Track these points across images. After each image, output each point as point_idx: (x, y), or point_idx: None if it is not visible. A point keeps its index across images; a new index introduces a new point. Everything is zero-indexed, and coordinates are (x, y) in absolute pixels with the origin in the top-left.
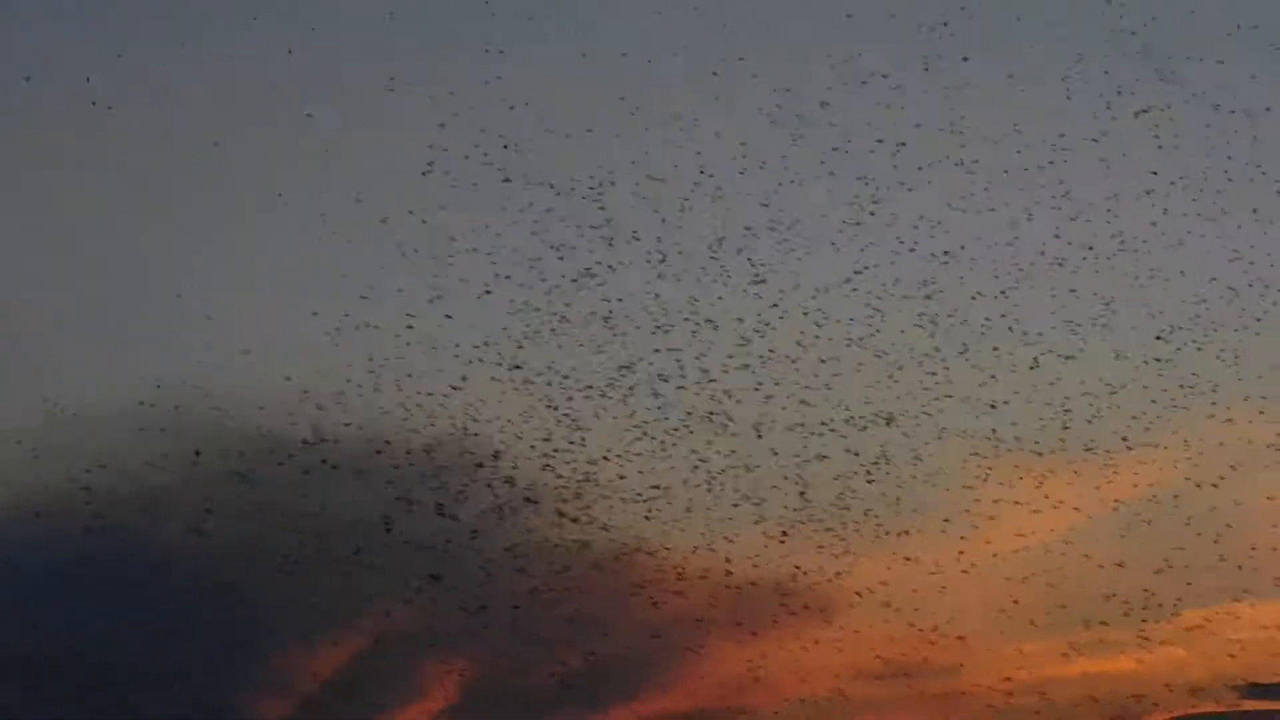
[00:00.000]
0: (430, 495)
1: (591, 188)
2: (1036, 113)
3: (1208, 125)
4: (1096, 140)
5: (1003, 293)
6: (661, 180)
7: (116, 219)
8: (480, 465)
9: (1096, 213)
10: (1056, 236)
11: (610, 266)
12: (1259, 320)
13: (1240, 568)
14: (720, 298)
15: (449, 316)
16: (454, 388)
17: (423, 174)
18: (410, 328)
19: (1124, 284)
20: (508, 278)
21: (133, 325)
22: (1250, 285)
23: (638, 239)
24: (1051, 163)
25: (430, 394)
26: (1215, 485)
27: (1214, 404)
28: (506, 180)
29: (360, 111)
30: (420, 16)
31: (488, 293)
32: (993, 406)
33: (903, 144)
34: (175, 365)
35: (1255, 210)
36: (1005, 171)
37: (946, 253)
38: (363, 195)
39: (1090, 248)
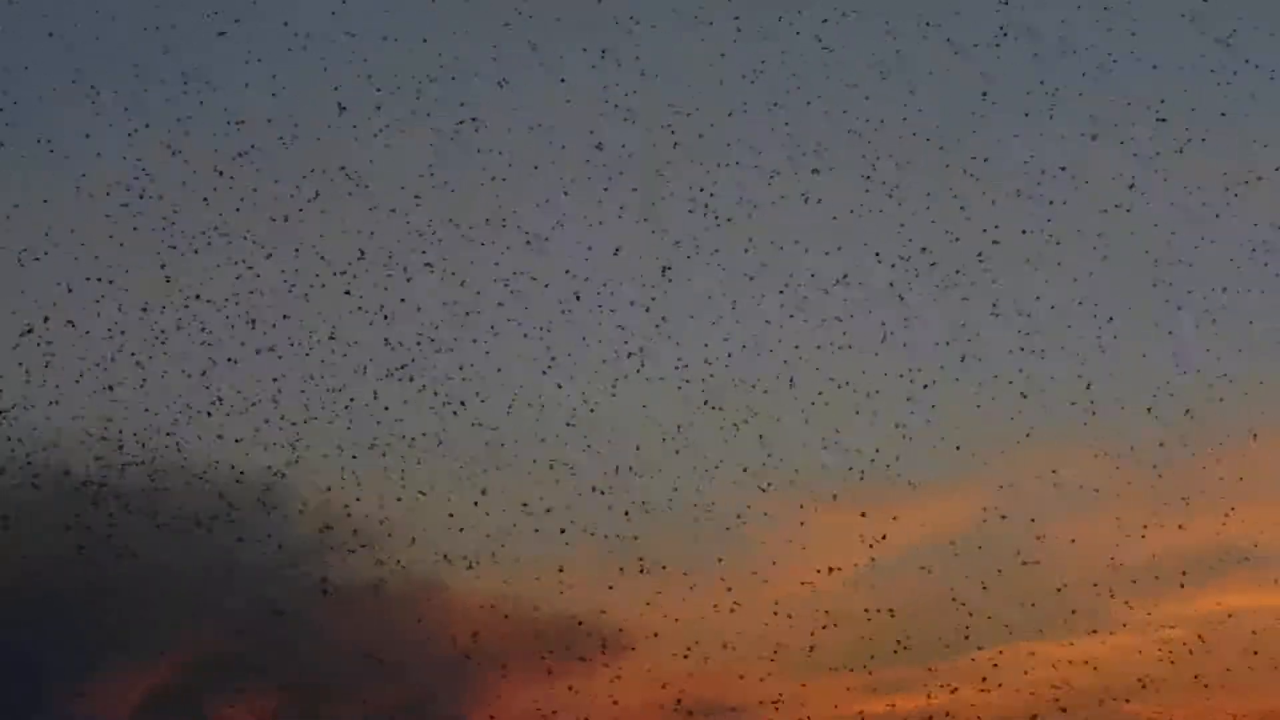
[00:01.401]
0: (222, 531)
1: None
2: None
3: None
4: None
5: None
6: None
7: None
8: (273, 504)
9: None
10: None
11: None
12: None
13: (1035, 606)
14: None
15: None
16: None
17: None
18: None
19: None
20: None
21: None
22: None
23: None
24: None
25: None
26: (1004, 521)
27: (1015, 442)
28: None
29: None
30: None
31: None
32: (779, 442)
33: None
34: None
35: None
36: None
37: None
38: None
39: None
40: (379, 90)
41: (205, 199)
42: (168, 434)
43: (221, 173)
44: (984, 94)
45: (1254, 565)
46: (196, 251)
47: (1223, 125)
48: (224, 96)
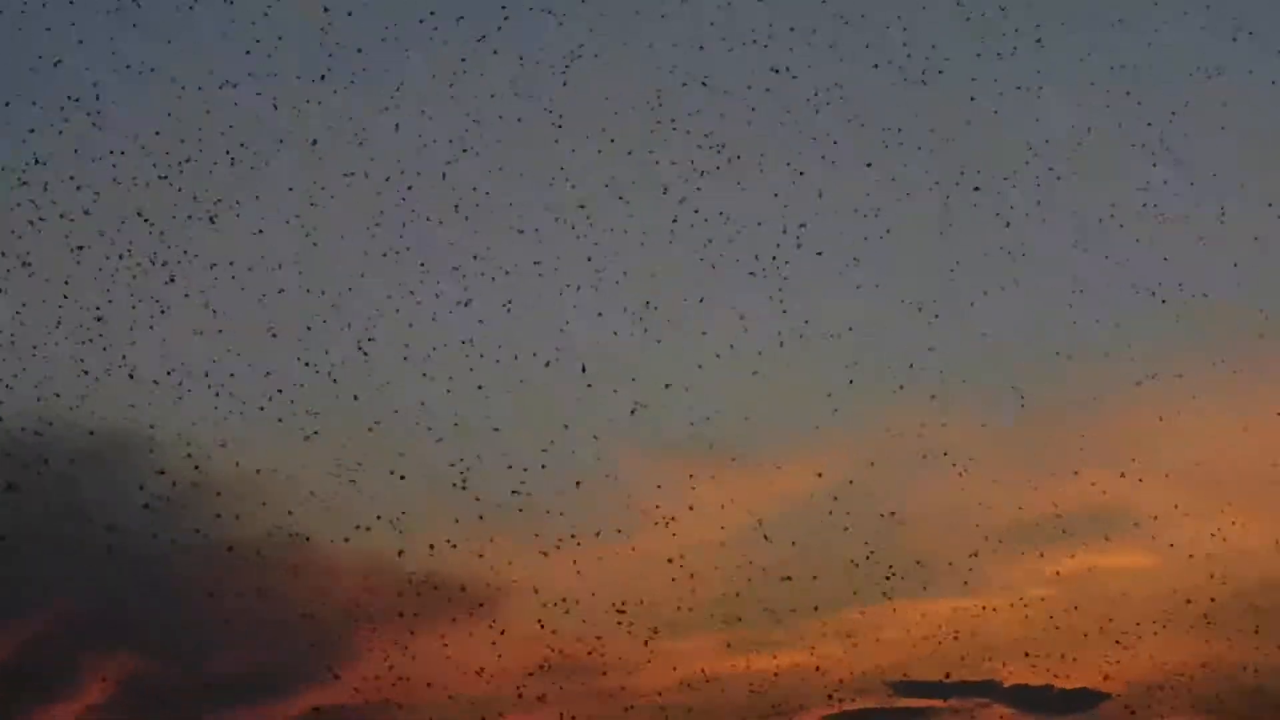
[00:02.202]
0: (88, 489)
1: None
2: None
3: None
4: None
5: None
6: None
7: None
8: (139, 463)
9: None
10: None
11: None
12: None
13: (895, 568)
14: (389, 296)
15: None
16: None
17: None
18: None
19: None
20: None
21: None
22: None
23: None
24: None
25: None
26: (870, 484)
27: (878, 405)
28: None
29: None
30: None
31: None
32: (645, 406)
33: None
34: None
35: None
36: None
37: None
38: None
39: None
40: None
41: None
42: (35, 388)
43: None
44: None
45: (1115, 527)
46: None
47: None
48: None
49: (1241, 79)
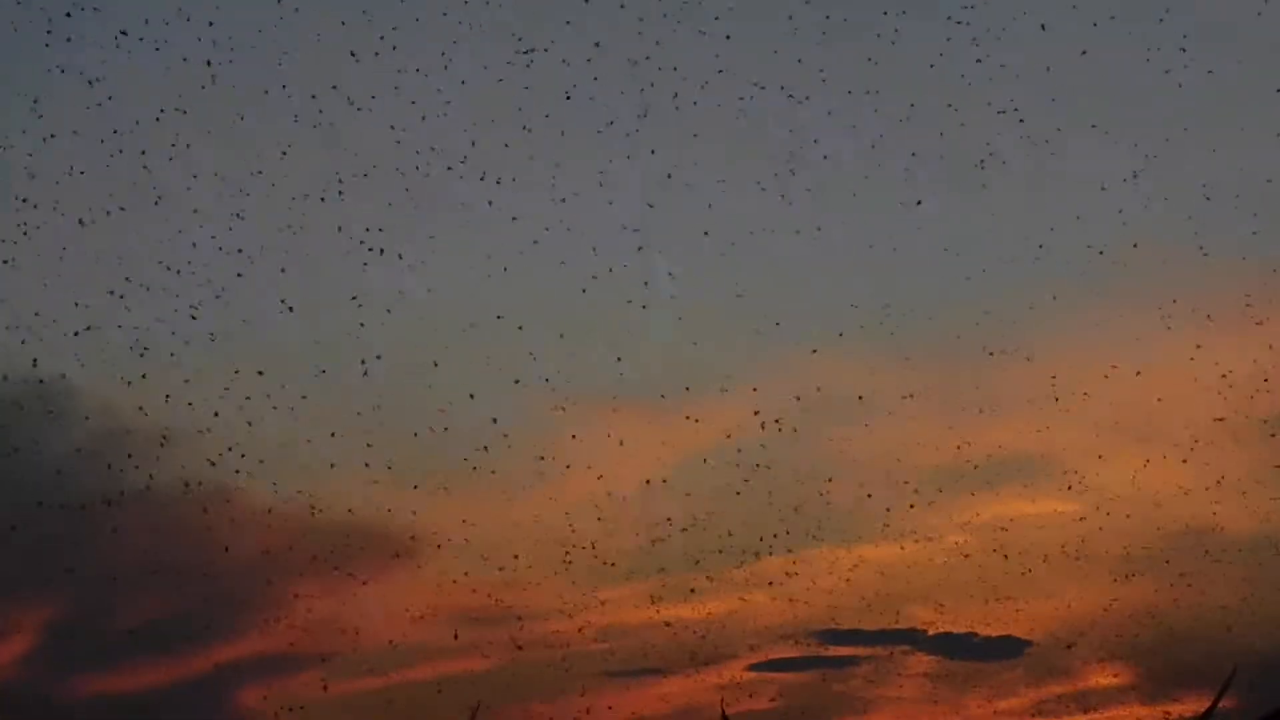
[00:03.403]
0: (5, 433)
1: None
2: None
3: None
4: None
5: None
6: None
7: None
8: (62, 408)
9: None
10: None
11: None
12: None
13: (820, 515)
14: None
15: None
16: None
17: None
18: None
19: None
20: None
21: None
22: None
23: None
24: None
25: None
26: (795, 432)
27: (793, 348)
28: None
29: None
30: None
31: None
32: (572, 352)
33: None
34: None
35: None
36: None
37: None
38: None
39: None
40: None
41: None
42: None
43: None
44: None
45: (1035, 474)
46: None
47: None
48: None
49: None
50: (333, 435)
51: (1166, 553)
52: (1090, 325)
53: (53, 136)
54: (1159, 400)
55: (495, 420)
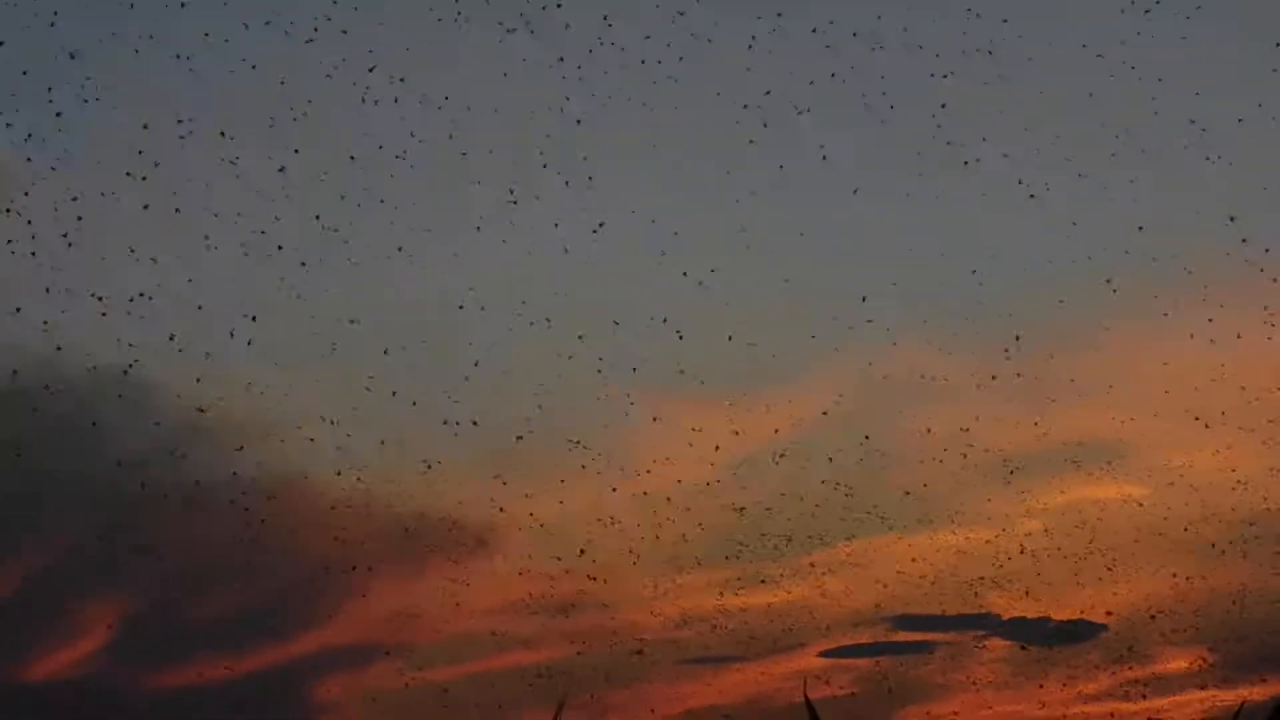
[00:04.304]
0: (80, 428)
1: None
2: None
3: None
4: None
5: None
6: None
7: None
8: (131, 400)
9: None
10: None
11: None
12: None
13: (892, 502)
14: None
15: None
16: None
17: None
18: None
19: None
20: None
21: None
22: None
23: None
24: None
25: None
26: (870, 420)
27: (868, 336)
28: None
29: None
30: None
31: None
32: (638, 346)
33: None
34: None
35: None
36: None
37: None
38: None
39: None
40: None
41: None
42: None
43: None
44: None
45: (1106, 458)
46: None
47: None
48: None
49: None
50: (407, 429)
51: (1243, 536)
52: (1165, 309)
53: None
54: (1237, 384)
55: (568, 412)
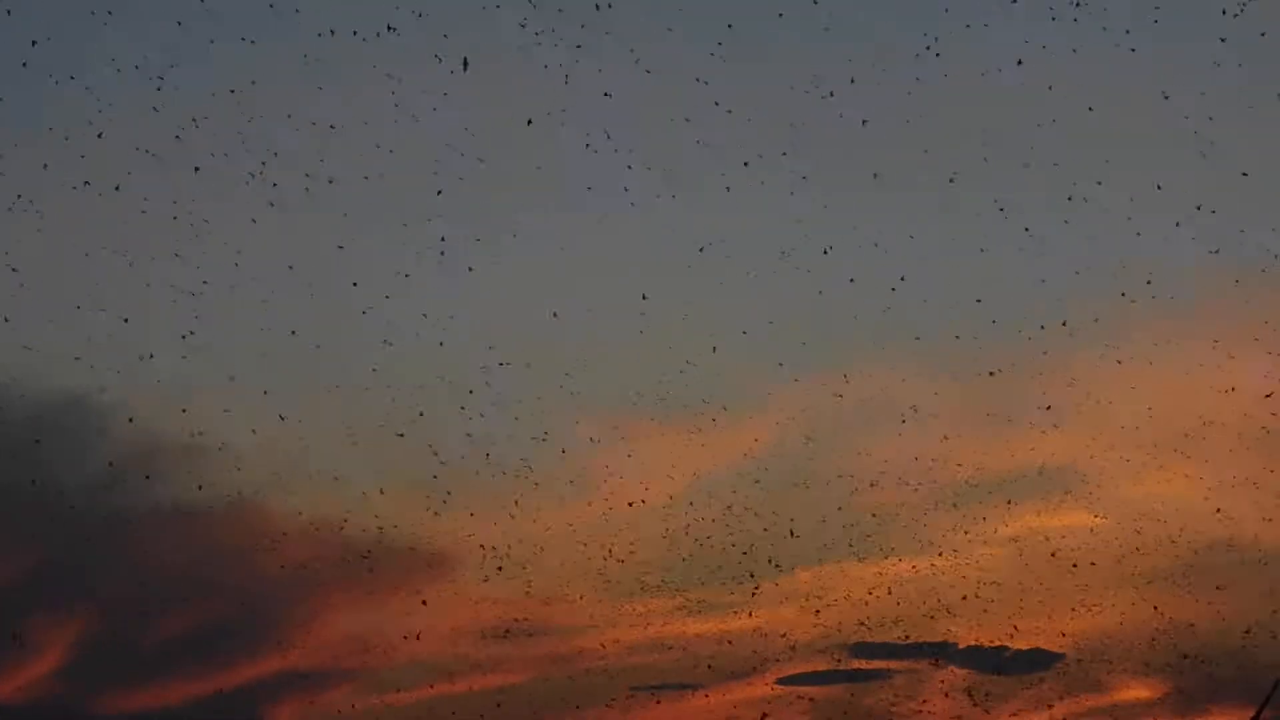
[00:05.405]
0: (37, 451)
1: None
2: None
3: None
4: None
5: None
6: None
7: None
8: (94, 423)
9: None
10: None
11: None
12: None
13: (850, 528)
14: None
15: None
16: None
17: None
18: None
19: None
20: None
21: None
22: None
23: None
24: None
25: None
26: (825, 445)
27: (831, 364)
28: None
29: None
30: None
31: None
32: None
33: None
34: None
35: None
36: None
37: None
38: None
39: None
40: None
41: None
42: None
43: None
44: None
45: (1064, 487)
46: None
47: None
48: None
49: None
50: (363, 452)
51: (1198, 566)
52: (1123, 340)
53: None
54: (1190, 415)
55: (529, 437)
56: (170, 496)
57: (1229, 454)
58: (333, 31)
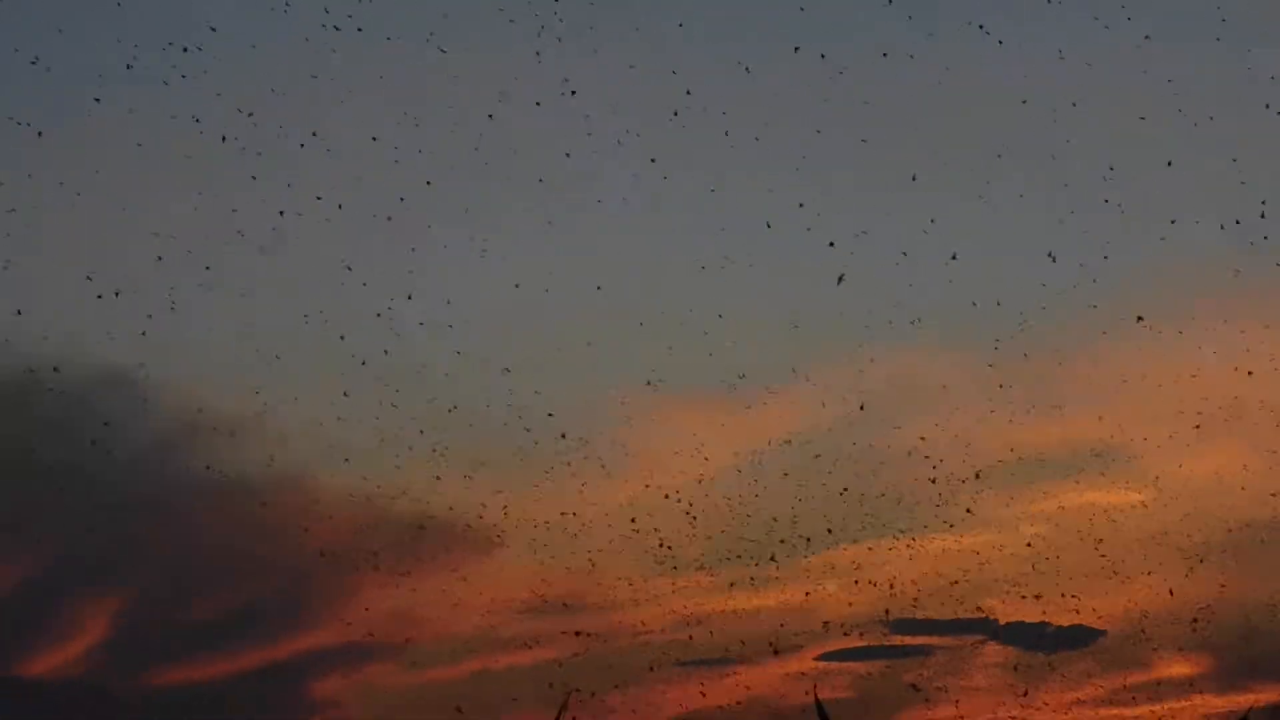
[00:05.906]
0: (83, 426)
1: None
2: None
3: None
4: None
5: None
6: None
7: None
8: (136, 398)
9: None
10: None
11: None
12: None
13: (894, 505)
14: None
15: None
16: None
17: None
18: None
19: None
20: None
21: None
22: None
23: None
24: None
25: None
26: (867, 423)
27: (870, 342)
28: None
29: None
30: None
31: None
32: (641, 347)
33: None
34: None
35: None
36: None
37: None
38: None
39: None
40: None
41: None
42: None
43: None
44: None
45: (1106, 464)
46: None
47: None
48: None
49: None
50: (407, 428)
51: (1240, 543)
52: (1164, 318)
53: None
54: (1233, 393)
55: (568, 413)
56: (214, 473)
57: (1273, 430)
58: (337, 28)
